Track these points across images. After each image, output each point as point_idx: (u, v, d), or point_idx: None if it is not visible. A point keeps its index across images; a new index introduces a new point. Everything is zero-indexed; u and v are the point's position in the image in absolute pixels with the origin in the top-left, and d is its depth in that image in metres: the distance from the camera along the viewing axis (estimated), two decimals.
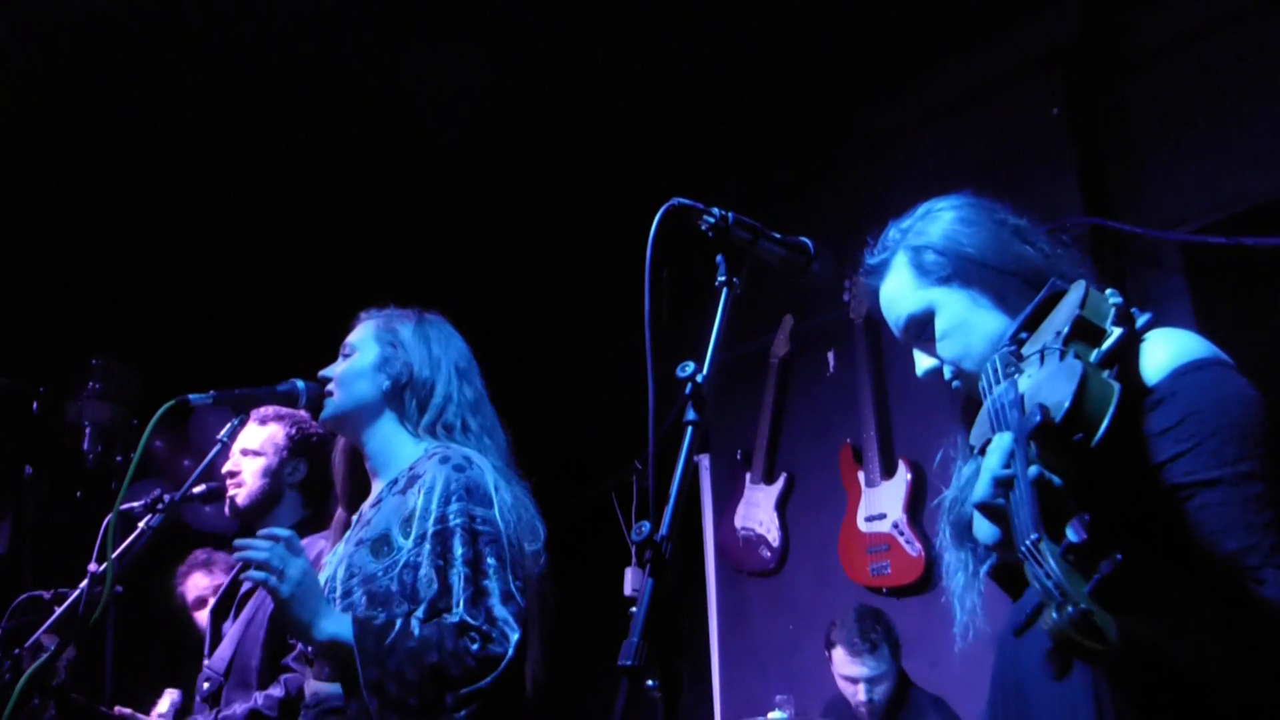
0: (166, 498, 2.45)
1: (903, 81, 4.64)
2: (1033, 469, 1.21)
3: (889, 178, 4.72)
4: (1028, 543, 1.15)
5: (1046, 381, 1.35)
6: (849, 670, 3.78)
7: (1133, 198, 4.15)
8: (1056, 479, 1.21)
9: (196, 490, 2.68)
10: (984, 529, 1.32)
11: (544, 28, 4.27)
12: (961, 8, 4.23)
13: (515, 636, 2.04)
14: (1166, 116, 4.12)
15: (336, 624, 2.03)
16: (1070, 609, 1.07)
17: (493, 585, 2.08)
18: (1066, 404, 1.25)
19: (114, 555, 2.28)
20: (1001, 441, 1.28)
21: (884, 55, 4.49)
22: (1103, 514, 1.13)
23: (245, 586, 2.88)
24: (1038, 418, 1.24)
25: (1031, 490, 1.19)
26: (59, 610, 2.57)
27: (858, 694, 3.76)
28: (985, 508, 1.27)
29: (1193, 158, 4.03)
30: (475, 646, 2.00)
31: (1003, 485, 1.24)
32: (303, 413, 2.86)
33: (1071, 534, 1.11)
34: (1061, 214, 4.02)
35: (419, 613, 2.06)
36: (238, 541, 2.07)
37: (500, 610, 2.06)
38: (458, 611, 2.05)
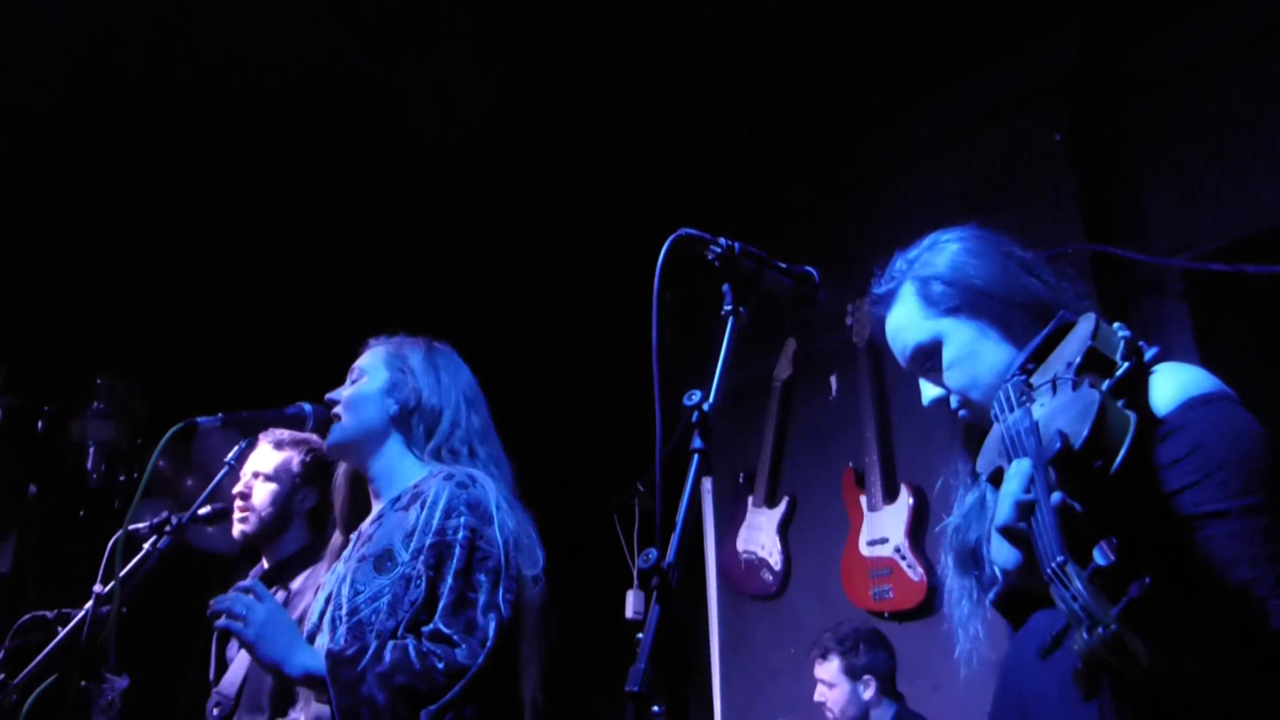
0: (174, 519, 2.45)
1: (905, 107, 4.67)
2: (1055, 494, 1.23)
3: (891, 202, 4.74)
4: (1053, 565, 1.17)
5: (1062, 410, 1.37)
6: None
7: (1134, 224, 4.17)
8: (1077, 505, 1.23)
9: (202, 512, 2.69)
10: (1004, 553, 1.33)
11: (552, 54, 4.30)
12: (964, 34, 4.26)
13: (489, 645, 2.07)
14: (1168, 143, 4.15)
15: (310, 657, 2.08)
16: (1101, 630, 1.09)
17: (478, 597, 2.11)
18: (1085, 431, 1.28)
19: (120, 576, 2.29)
20: (1021, 467, 1.30)
21: (886, 81, 4.52)
22: (1126, 538, 1.16)
23: None
24: (1058, 444, 1.27)
25: (1054, 515, 1.21)
26: (63, 631, 2.57)
27: (815, 694, 3.97)
28: (1008, 531, 1.28)
29: (1194, 184, 4.05)
30: (441, 665, 2.03)
31: (1024, 510, 1.26)
32: (315, 437, 2.86)
33: (1099, 557, 1.14)
34: (1063, 240, 4.04)
35: (401, 628, 2.10)
36: (211, 602, 2.12)
37: (480, 620, 2.09)
38: (436, 621, 2.08)
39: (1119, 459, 1.27)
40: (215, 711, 2.80)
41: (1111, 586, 1.13)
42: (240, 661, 2.82)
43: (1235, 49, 4.01)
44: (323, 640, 2.20)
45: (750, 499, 4.97)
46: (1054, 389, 1.43)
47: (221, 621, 2.08)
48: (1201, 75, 4.10)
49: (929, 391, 1.69)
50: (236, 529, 2.97)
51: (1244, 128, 3.95)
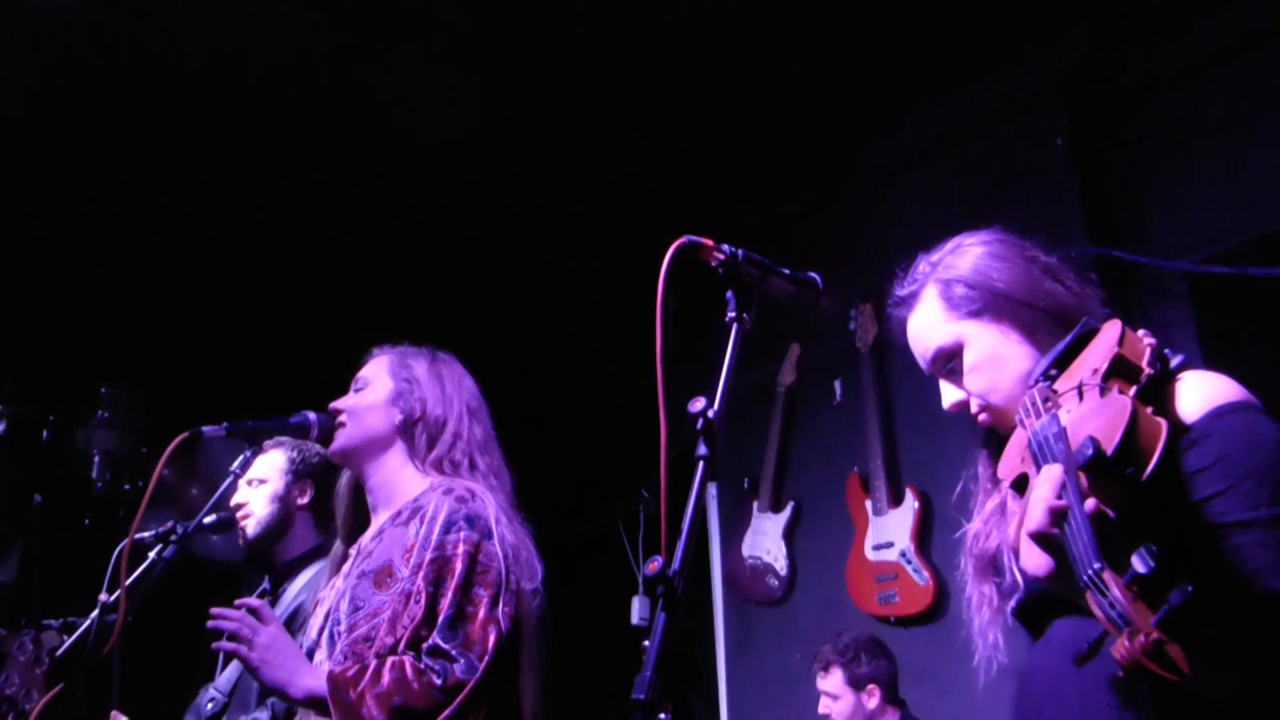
0: (179, 529, 2.46)
1: (908, 112, 4.68)
2: (1089, 501, 1.23)
3: (895, 207, 4.74)
4: (1090, 572, 1.16)
5: (1091, 416, 1.37)
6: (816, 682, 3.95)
7: (1137, 227, 4.17)
8: (1110, 511, 1.23)
9: (207, 521, 2.69)
10: (1035, 559, 1.31)
11: (556, 58, 4.31)
12: (967, 39, 4.26)
13: (488, 659, 2.07)
14: (1170, 147, 4.15)
15: (313, 679, 2.07)
16: (1143, 638, 1.08)
17: (477, 612, 2.11)
18: (1118, 438, 1.27)
19: (125, 585, 2.29)
20: (1052, 473, 1.29)
21: (889, 86, 4.52)
22: (1163, 546, 1.15)
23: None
24: (1090, 451, 1.26)
25: (1088, 521, 1.20)
26: (69, 640, 2.57)
27: (820, 707, 3.92)
28: (1040, 538, 1.27)
29: (1197, 188, 4.05)
30: (440, 681, 2.04)
31: (1058, 516, 1.25)
32: (300, 440, 2.88)
33: (1139, 564, 1.13)
34: (1067, 243, 4.04)
35: (401, 644, 2.09)
36: (213, 611, 2.12)
37: (479, 634, 2.09)
38: (435, 636, 2.08)
39: (1150, 466, 1.27)
40: (209, 706, 2.82)
41: (1151, 594, 1.12)
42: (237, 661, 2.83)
43: (1237, 53, 4.01)
44: (321, 656, 2.19)
45: (755, 504, 4.96)
46: (1080, 395, 1.43)
47: (226, 644, 2.08)
48: (1203, 79, 4.10)
49: (950, 395, 1.68)
50: (242, 537, 2.99)
51: (1246, 131, 3.95)
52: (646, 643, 1.19)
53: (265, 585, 2.98)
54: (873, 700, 3.80)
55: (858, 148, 4.90)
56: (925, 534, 4.34)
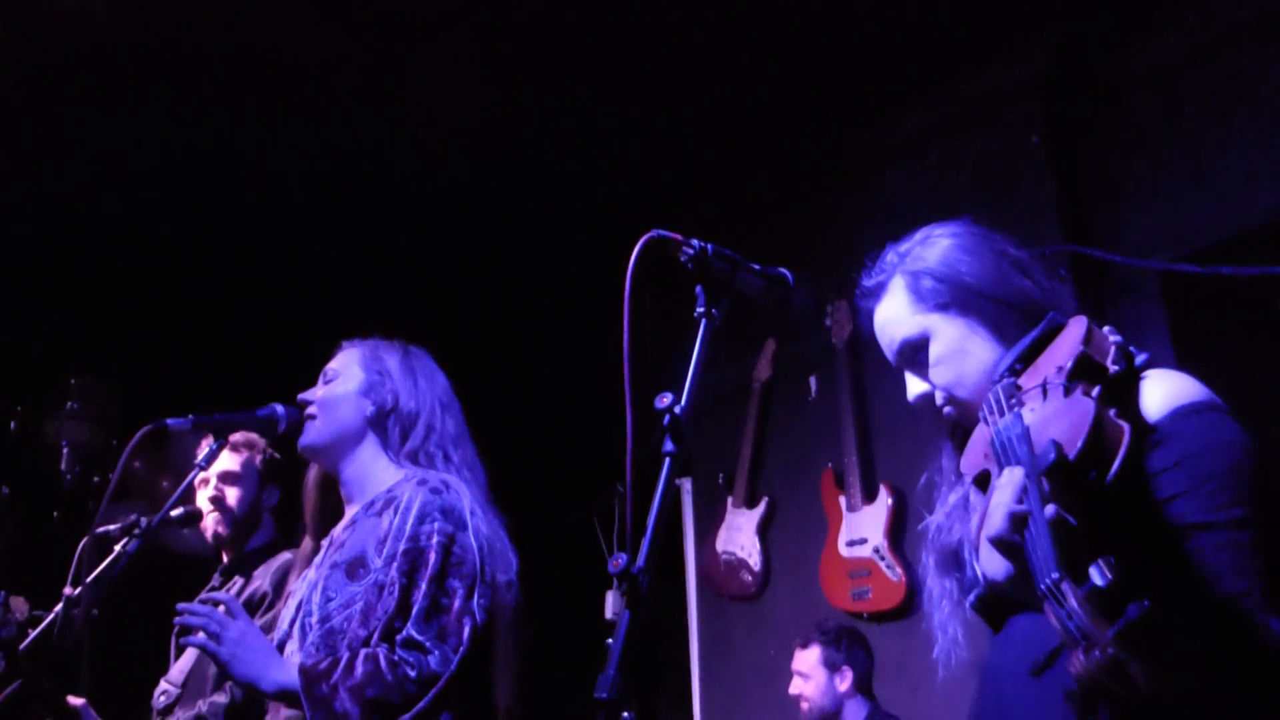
0: (144, 522, 2.44)
1: (883, 109, 4.68)
2: (1049, 508, 1.21)
3: (869, 205, 4.75)
4: (1048, 582, 1.14)
5: (1055, 418, 1.36)
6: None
7: (1111, 226, 4.19)
8: (1071, 518, 1.21)
9: (174, 514, 2.68)
10: (995, 564, 1.31)
11: (529, 52, 4.29)
12: (942, 37, 4.27)
13: (462, 651, 2.06)
14: (1144, 146, 4.17)
15: (284, 673, 2.06)
16: (1098, 653, 1.07)
17: (452, 604, 2.10)
18: (1080, 443, 1.25)
19: (89, 579, 2.27)
20: (1014, 476, 1.28)
21: (864, 84, 4.52)
22: (1121, 555, 1.14)
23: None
24: (1052, 455, 1.25)
25: (1049, 529, 1.19)
26: (34, 633, 2.55)
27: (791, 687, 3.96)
28: (1000, 543, 1.26)
29: (1170, 187, 4.07)
30: (414, 673, 2.03)
31: (1018, 521, 1.23)
32: (260, 438, 2.91)
33: (1097, 576, 1.12)
34: (1040, 241, 4.05)
35: (374, 636, 2.08)
36: (179, 606, 2.10)
37: (454, 626, 2.08)
38: (409, 628, 2.07)
39: (1113, 471, 1.25)
40: (161, 700, 2.81)
41: (1108, 607, 1.11)
42: (191, 652, 2.81)
43: (1209, 53, 4.04)
44: (292, 648, 2.17)
45: (729, 499, 4.97)
46: (1044, 393, 1.42)
47: (196, 639, 2.06)
48: (1176, 79, 4.12)
49: (915, 387, 1.67)
50: (211, 532, 2.97)
51: (1218, 131, 3.97)
52: (610, 641, 1.18)
53: (216, 579, 2.98)
54: (844, 683, 3.82)
55: (833, 145, 4.90)
56: (898, 530, 4.35)
